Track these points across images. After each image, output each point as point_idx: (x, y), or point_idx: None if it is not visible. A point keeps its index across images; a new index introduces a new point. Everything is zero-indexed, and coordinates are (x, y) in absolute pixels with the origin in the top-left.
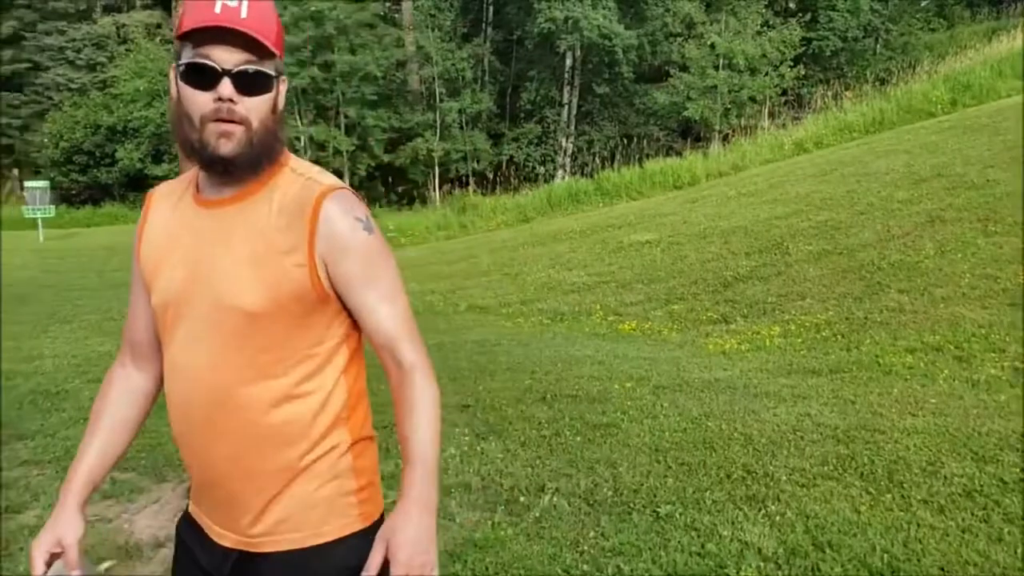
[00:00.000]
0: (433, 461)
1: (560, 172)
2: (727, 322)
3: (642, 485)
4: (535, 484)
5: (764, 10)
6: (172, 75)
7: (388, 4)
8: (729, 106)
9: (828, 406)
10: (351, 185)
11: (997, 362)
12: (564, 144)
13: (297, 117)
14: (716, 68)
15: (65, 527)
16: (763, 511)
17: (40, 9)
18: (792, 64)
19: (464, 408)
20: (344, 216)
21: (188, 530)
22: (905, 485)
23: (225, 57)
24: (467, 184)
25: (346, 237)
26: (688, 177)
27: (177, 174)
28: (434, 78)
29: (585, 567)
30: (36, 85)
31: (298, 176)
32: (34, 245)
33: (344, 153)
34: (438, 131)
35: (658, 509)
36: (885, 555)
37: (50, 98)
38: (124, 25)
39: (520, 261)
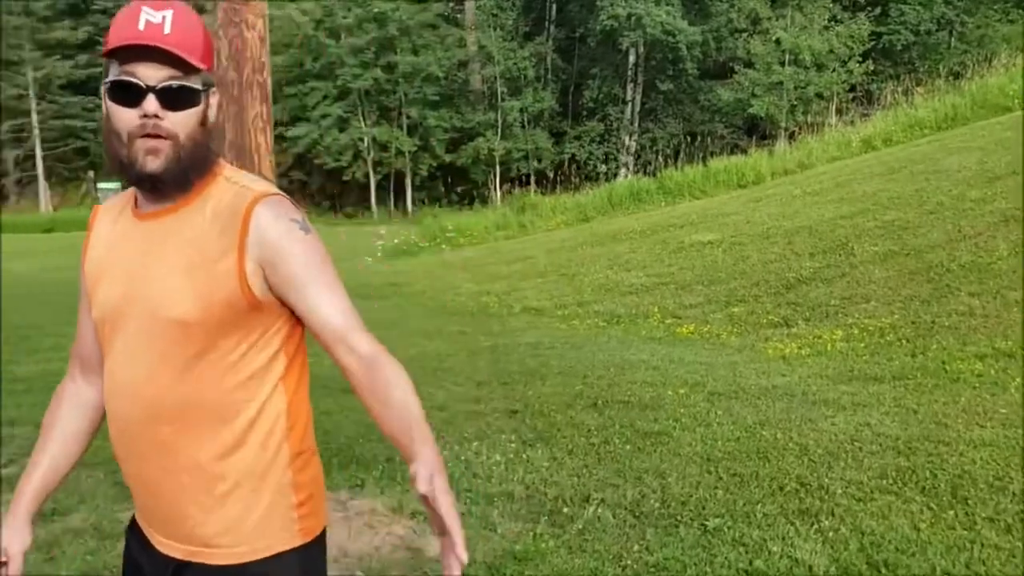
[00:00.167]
0: (424, 420)
1: (623, 170)
2: (788, 325)
3: (691, 497)
4: (580, 494)
5: (831, 4)
6: (102, 92)
7: (451, 4)
8: (795, 103)
9: (889, 415)
10: (413, 185)
11: None
12: (627, 142)
13: (360, 118)
14: (782, 64)
15: (11, 537)
16: (816, 526)
17: (113, 14)
18: (860, 59)
19: (512, 414)
20: (277, 220)
21: (133, 536)
22: (970, 501)
23: (149, 74)
24: (528, 183)
25: (282, 240)
26: (752, 175)
27: None
28: (496, 77)
29: None
30: None
31: (231, 184)
32: None
33: (406, 153)
34: (499, 130)
35: (706, 522)
36: None
37: None
38: None
39: (578, 262)
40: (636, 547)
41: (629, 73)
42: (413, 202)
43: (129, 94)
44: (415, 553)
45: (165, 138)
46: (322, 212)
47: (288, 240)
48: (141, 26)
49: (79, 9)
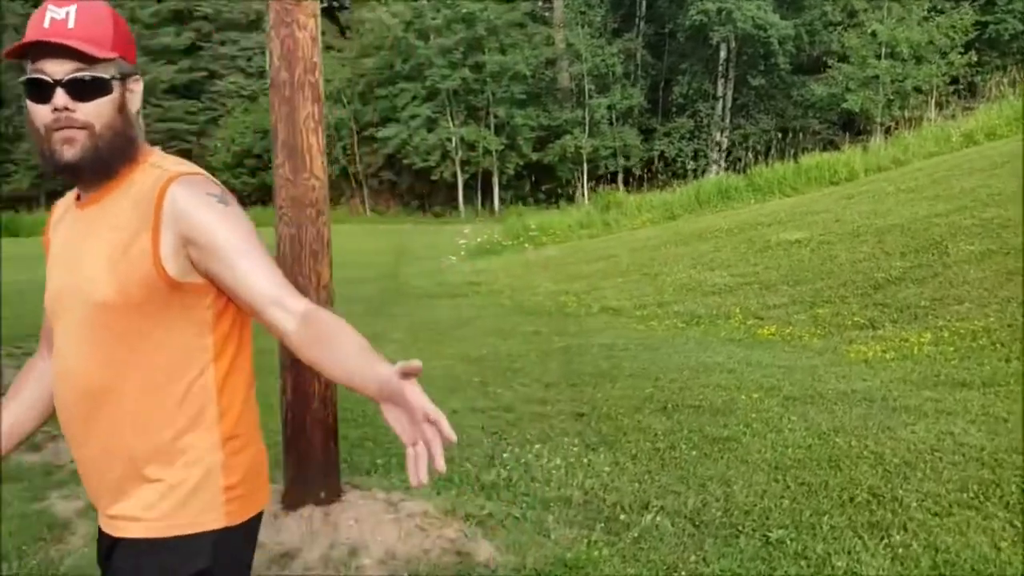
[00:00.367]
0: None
1: (714, 167)
2: (874, 327)
3: (755, 506)
4: (640, 501)
5: None
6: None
7: (539, 3)
8: (892, 97)
9: (975, 424)
10: (500, 185)
11: None
12: (718, 138)
13: (448, 118)
14: (878, 57)
15: None
16: (886, 541)
17: (215, 20)
18: (963, 51)
19: (578, 416)
20: (192, 196)
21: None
22: None
23: (55, 68)
24: (616, 181)
25: (198, 213)
26: (845, 172)
27: (335, 179)
28: (583, 75)
29: None
30: (212, 92)
31: (154, 169)
32: None
33: (493, 153)
34: (587, 128)
35: (769, 533)
36: None
37: (223, 104)
38: None
39: (661, 261)
40: (692, 557)
41: (720, 68)
42: (500, 201)
43: (41, 90)
44: (464, 558)
45: (81, 128)
46: (411, 212)
47: (205, 213)
48: (46, 24)
49: (182, 15)
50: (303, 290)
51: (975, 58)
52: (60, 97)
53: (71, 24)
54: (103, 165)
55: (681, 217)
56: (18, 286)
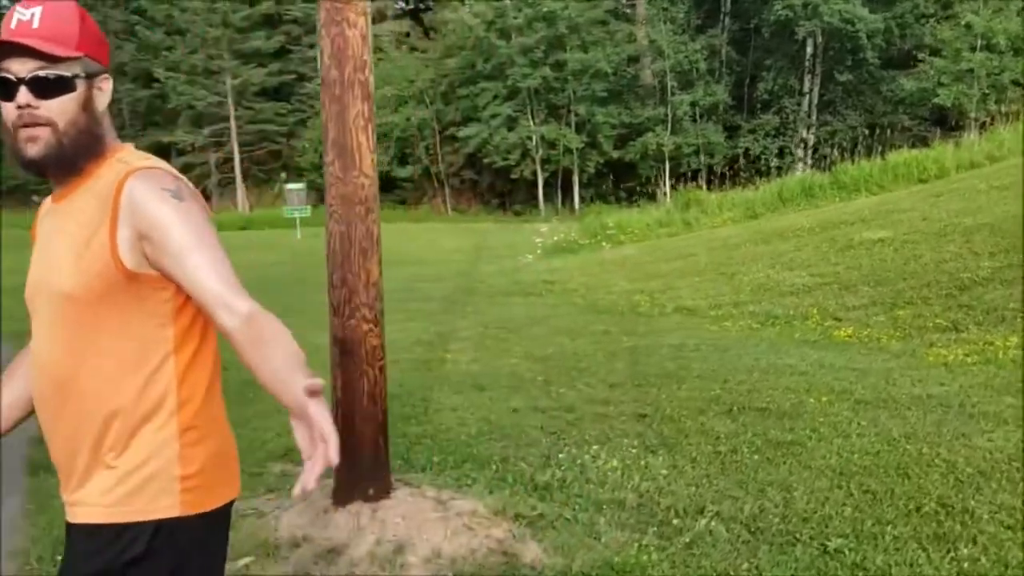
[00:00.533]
0: (300, 364)
1: (799, 165)
2: (957, 330)
3: (815, 513)
4: (695, 505)
5: None
6: None
7: (622, 0)
8: (987, 91)
9: None
10: (580, 183)
11: None
12: (804, 135)
13: (529, 117)
14: (973, 50)
15: None
16: (952, 554)
17: (304, 24)
18: None
19: (640, 418)
20: (149, 190)
21: None
22: None
23: (19, 67)
24: (699, 179)
25: (152, 208)
26: (935, 169)
27: (418, 178)
28: (666, 72)
29: None
30: (300, 95)
31: (118, 163)
32: (291, 242)
33: (574, 151)
34: (669, 125)
35: (827, 542)
36: None
37: (312, 106)
38: (376, 36)
39: (739, 260)
40: (745, 565)
41: (806, 64)
42: (580, 199)
43: (6, 88)
44: (511, 559)
45: (44, 125)
46: (491, 210)
47: (157, 207)
48: (13, 24)
49: (272, 19)
50: (352, 288)
51: None
52: (23, 95)
53: (35, 24)
54: (67, 161)
55: (763, 216)
56: None
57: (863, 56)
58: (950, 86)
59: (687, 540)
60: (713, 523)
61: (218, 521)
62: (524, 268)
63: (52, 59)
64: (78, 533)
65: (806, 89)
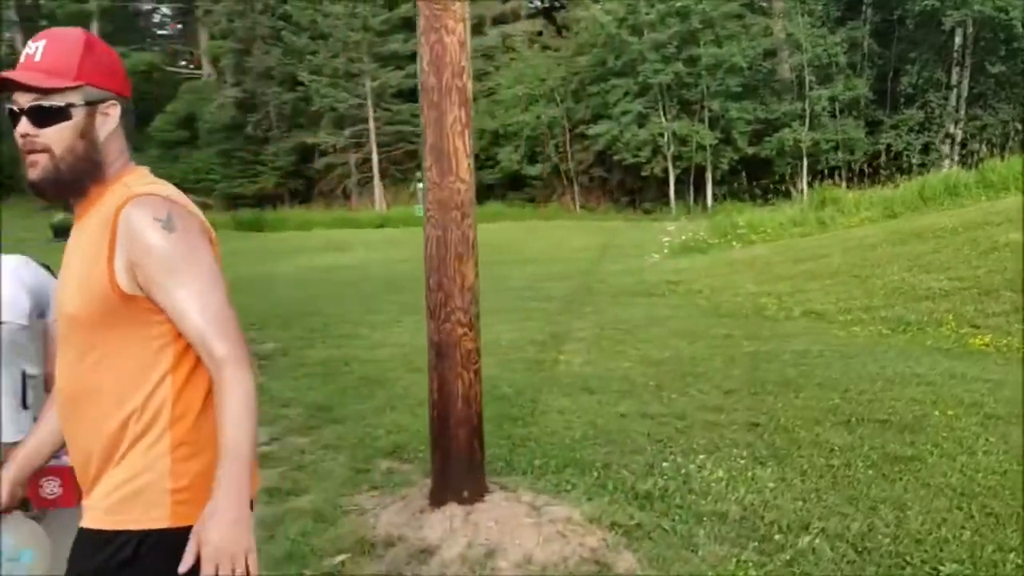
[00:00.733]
0: (243, 454)
1: (945, 162)
2: None
3: (929, 535)
4: (800, 520)
5: None
6: None
7: None
8: None
9: None
10: (713, 180)
11: None
12: (951, 131)
13: (661, 113)
14: None
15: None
16: None
17: None
18: None
19: (752, 427)
20: (142, 218)
21: None
22: None
23: (21, 98)
24: (837, 176)
25: (144, 239)
26: None
27: (547, 176)
28: (803, 65)
29: None
30: None
31: (123, 188)
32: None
33: (707, 147)
34: (807, 121)
35: (940, 567)
36: None
37: None
38: (509, 35)
39: (874, 262)
40: None
41: (954, 56)
42: (713, 197)
43: (14, 118)
44: (603, 568)
45: (42, 152)
46: (621, 208)
47: (149, 238)
48: (22, 58)
49: (410, 23)
50: (447, 291)
51: None
52: (22, 124)
53: (37, 57)
54: (65, 186)
55: (902, 215)
56: (252, 278)
57: (1017, 46)
58: None
59: (788, 557)
60: (818, 540)
61: None
62: (649, 268)
63: (46, 91)
64: (82, 534)
65: (954, 82)
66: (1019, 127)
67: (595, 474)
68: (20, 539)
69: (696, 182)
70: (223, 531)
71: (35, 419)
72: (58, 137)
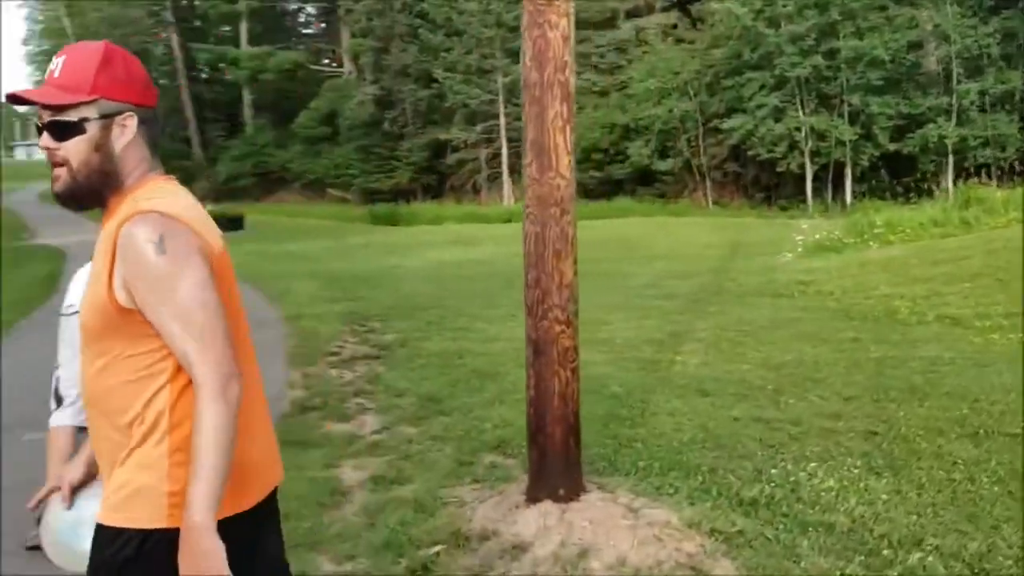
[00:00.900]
0: (208, 478)
1: None
2: None
3: None
4: (912, 536)
5: None
6: None
7: None
8: None
9: None
10: (853, 177)
11: None
12: None
13: (798, 107)
14: None
15: (72, 470)
16: None
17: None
18: None
19: (870, 436)
20: (136, 237)
21: None
22: None
23: (43, 114)
24: (986, 174)
25: (136, 258)
26: None
27: (678, 171)
28: (951, 58)
29: None
30: None
31: (132, 203)
32: None
33: (847, 143)
34: (954, 116)
35: None
36: None
37: (576, 101)
38: (643, 29)
39: (1018, 265)
40: None
41: None
42: (852, 195)
43: (39, 131)
44: (699, 574)
45: (61, 164)
46: (755, 205)
47: (139, 258)
48: (46, 74)
49: None
50: (545, 289)
51: None
52: (44, 138)
53: (57, 73)
54: (83, 196)
55: None
56: (382, 270)
57: None
58: None
59: (896, 573)
60: (930, 558)
61: None
62: (780, 267)
63: (61, 107)
64: (96, 527)
65: None
66: None
67: (700, 478)
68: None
69: (835, 179)
70: (190, 557)
71: None
72: (75, 150)
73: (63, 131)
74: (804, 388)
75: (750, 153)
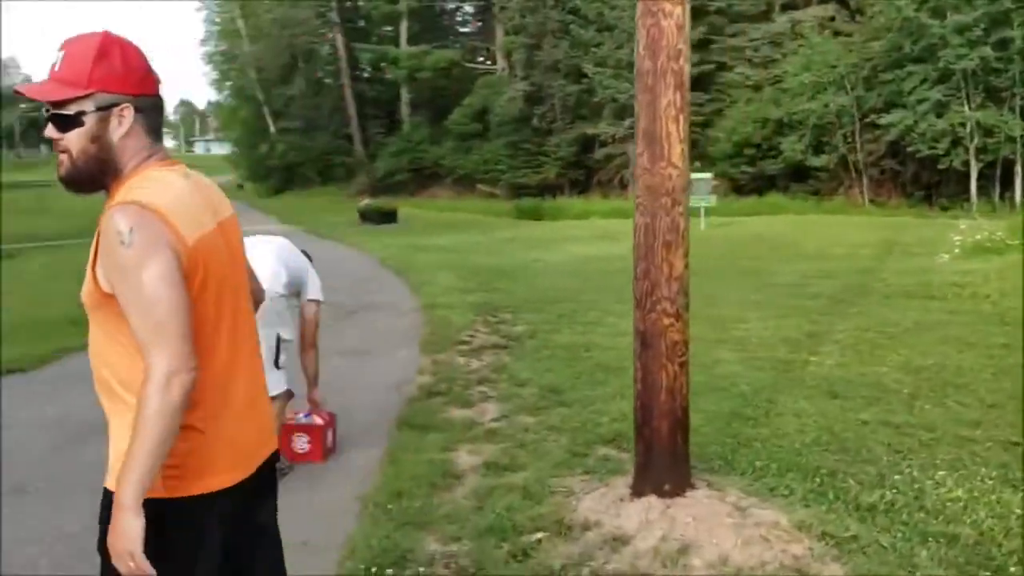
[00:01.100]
0: (138, 464)
1: None
2: None
3: None
4: None
5: None
6: None
7: None
8: None
9: None
10: (1023, 174)
11: None
12: None
13: (963, 101)
14: None
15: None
16: None
17: (727, 13)
18: None
19: (1009, 446)
20: (109, 228)
21: None
22: None
23: (50, 106)
24: None
25: (108, 249)
26: None
27: (833, 168)
28: None
29: None
30: (719, 84)
31: (125, 191)
32: (695, 233)
33: (1017, 139)
34: None
35: None
36: None
37: (729, 95)
38: (799, 21)
39: None
40: None
41: None
42: (1022, 194)
43: (44, 122)
44: None
45: (63, 152)
46: (914, 203)
47: (108, 252)
48: (48, 68)
49: (695, 10)
50: (654, 281)
51: None
52: (47, 129)
53: (56, 67)
54: (83, 183)
55: None
56: (520, 264)
57: None
58: None
59: None
60: None
61: (196, 506)
62: (935, 268)
63: (62, 100)
64: (103, 492)
65: None
66: None
67: (818, 480)
68: None
69: (1003, 177)
70: (116, 540)
71: (287, 378)
72: (75, 141)
73: (63, 123)
74: (943, 393)
75: (909, 149)
